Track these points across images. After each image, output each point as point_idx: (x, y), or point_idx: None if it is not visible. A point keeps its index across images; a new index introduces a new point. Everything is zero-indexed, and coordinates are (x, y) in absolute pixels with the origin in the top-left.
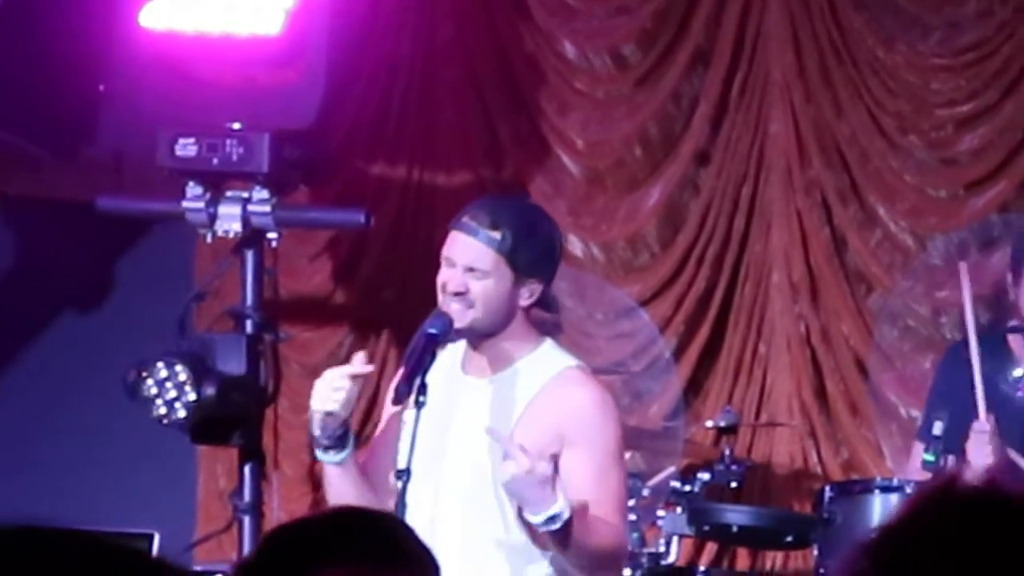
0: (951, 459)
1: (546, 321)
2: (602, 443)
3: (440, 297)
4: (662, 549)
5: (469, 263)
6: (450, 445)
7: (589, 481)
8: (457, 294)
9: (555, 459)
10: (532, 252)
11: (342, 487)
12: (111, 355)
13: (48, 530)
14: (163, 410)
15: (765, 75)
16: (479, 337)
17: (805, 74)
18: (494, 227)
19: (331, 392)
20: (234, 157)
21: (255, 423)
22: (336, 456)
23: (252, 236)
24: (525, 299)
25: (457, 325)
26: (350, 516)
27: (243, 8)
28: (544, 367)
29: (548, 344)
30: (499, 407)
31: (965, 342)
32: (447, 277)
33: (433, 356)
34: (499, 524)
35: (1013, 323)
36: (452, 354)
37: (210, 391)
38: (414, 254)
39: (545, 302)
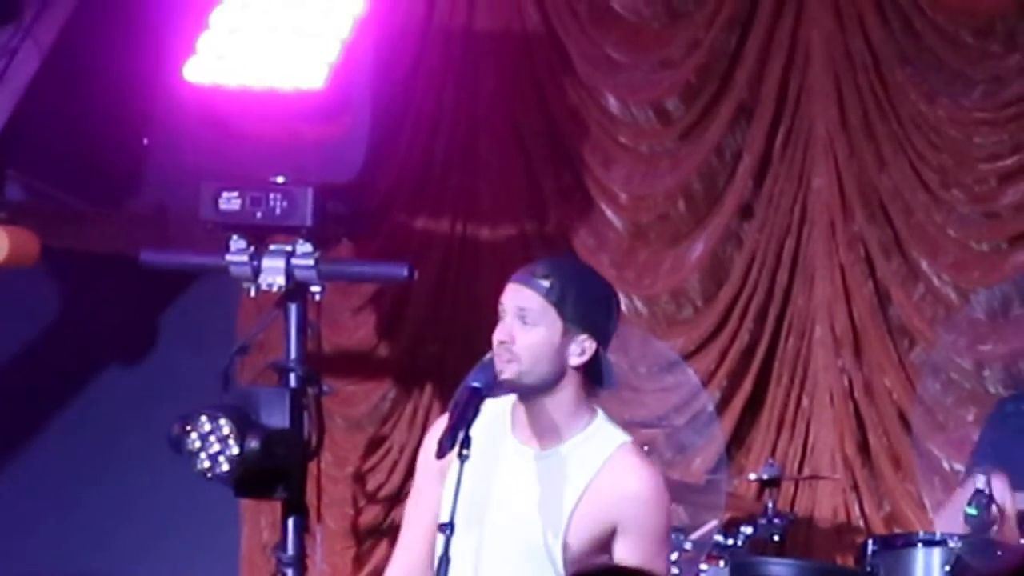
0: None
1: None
2: (652, 531)
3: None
4: None
5: (518, 306)
6: (494, 507)
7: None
8: (502, 342)
9: (608, 544)
10: (581, 303)
11: None
12: (155, 409)
13: None
14: (207, 464)
15: (808, 129)
16: (527, 394)
17: (848, 128)
18: (545, 276)
19: None
20: (278, 211)
21: (298, 476)
22: None
23: (296, 289)
24: (576, 357)
25: (502, 377)
26: None
27: (287, 62)
28: (596, 448)
29: (600, 419)
30: (550, 491)
31: (1013, 397)
32: (498, 328)
33: (477, 410)
34: None
35: None
36: (500, 410)
37: (254, 444)
38: (458, 307)
39: (597, 370)
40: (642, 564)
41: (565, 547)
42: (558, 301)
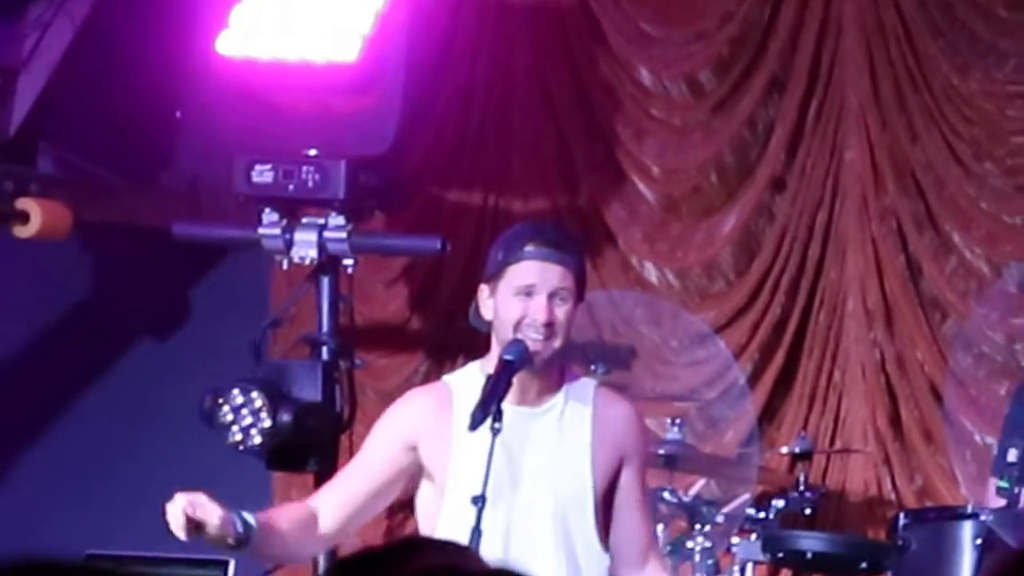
0: None
1: None
2: (645, 454)
3: (512, 330)
4: None
5: (558, 286)
6: (518, 471)
7: (640, 494)
8: (548, 324)
9: (617, 477)
10: (584, 274)
11: (272, 551)
12: (187, 381)
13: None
14: (239, 437)
15: (841, 102)
16: (543, 366)
17: (880, 101)
18: (568, 252)
19: (177, 528)
20: (310, 184)
21: (331, 450)
22: (245, 549)
23: (328, 263)
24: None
25: (541, 356)
26: (418, 542)
27: (319, 35)
28: (579, 390)
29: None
30: (567, 440)
31: None
32: (530, 309)
33: (509, 383)
34: (587, 542)
35: None
36: (473, 382)
37: (286, 418)
38: None
39: None
40: (643, 490)
41: (595, 487)
42: (580, 276)
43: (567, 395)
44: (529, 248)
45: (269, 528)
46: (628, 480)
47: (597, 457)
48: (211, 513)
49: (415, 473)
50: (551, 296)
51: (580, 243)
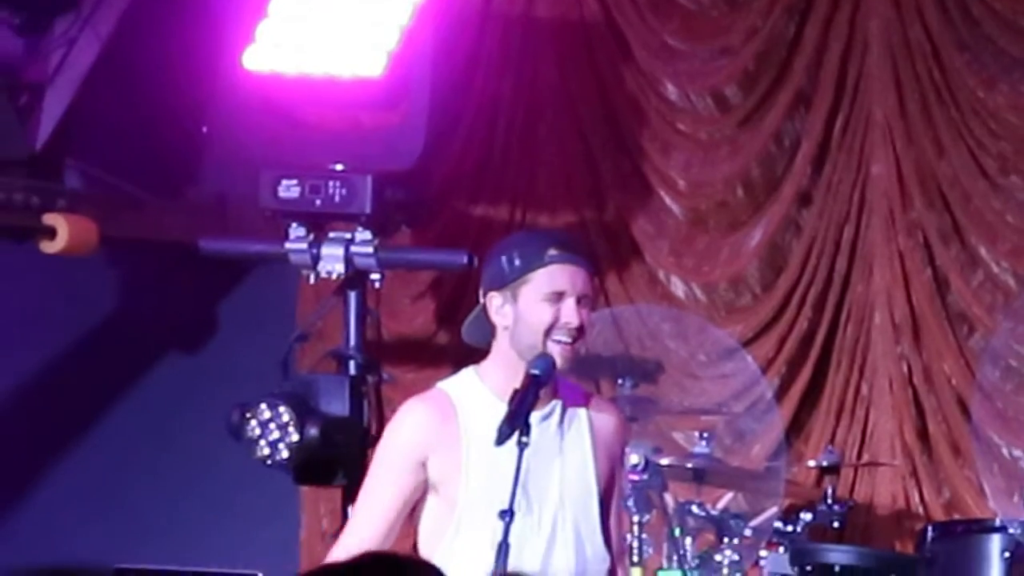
0: None
1: None
2: (624, 457)
3: (543, 335)
4: None
5: (585, 292)
6: (536, 481)
7: (620, 495)
8: (579, 328)
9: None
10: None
11: None
12: (214, 396)
13: None
14: (266, 451)
15: (867, 116)
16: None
17: (907, 115)
18: (586, 256)
19: None
20: (337, 198)
21: (358, 464)
22: None
23: (355, 277)
24: None
25: (567, 362)
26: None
27: (346, 50)
28: (572, 390)
29: None
30: (572, 440)
31: None
32: (562, 313)
33: (536, 396)
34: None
35: None
36: (486, 402)
37: (313, 432)
38: None
39: None
40: (621, 492)
41: (599, 491)
42: (595, 277)
43: (564, 400)
44: (554, 252)
45: None
46: (618, 482)
47: (599, 461)
48: None
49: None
50: (579, 301)
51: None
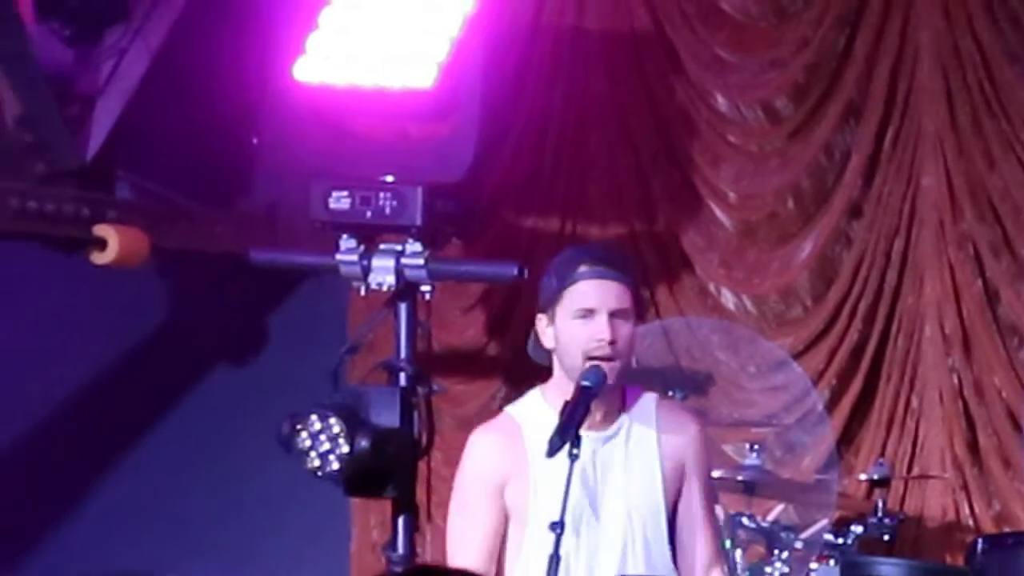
0: None
1: None
2: (708, 467)
3: (580, 354)
4: None
5: (619, 306)
6: (596, 497)
7: (703, 508)
8: (612, 343)
9: (680, 491)
10: (639, 290)
11: None
12: (265, 407)
13: None
14: (317, 462)
15: (917, 128)
16: (608, 389)
17: (957, 127)
18: (624, 270)
19: None
20: (387, 210)
21: (409, 475)
22: None
23: (405, 289)
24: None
25: (613, 379)
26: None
27: (396, 62)
28: (641, 407)
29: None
30: (638, 462)
31: None
32: (592, 330)
33: (587, 409)
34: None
35: None
36: (536, 411)
37: (364, 443)
38: None
39: None
40: (707, 507)
41: (667, 504)
42: (636, 292)
43: (631, 416)
44: (583, 269)
45: None
46: (691, 492)
47: (667, 473)
48: None
49: None
50: (611, 315)
51: (631, 260)
